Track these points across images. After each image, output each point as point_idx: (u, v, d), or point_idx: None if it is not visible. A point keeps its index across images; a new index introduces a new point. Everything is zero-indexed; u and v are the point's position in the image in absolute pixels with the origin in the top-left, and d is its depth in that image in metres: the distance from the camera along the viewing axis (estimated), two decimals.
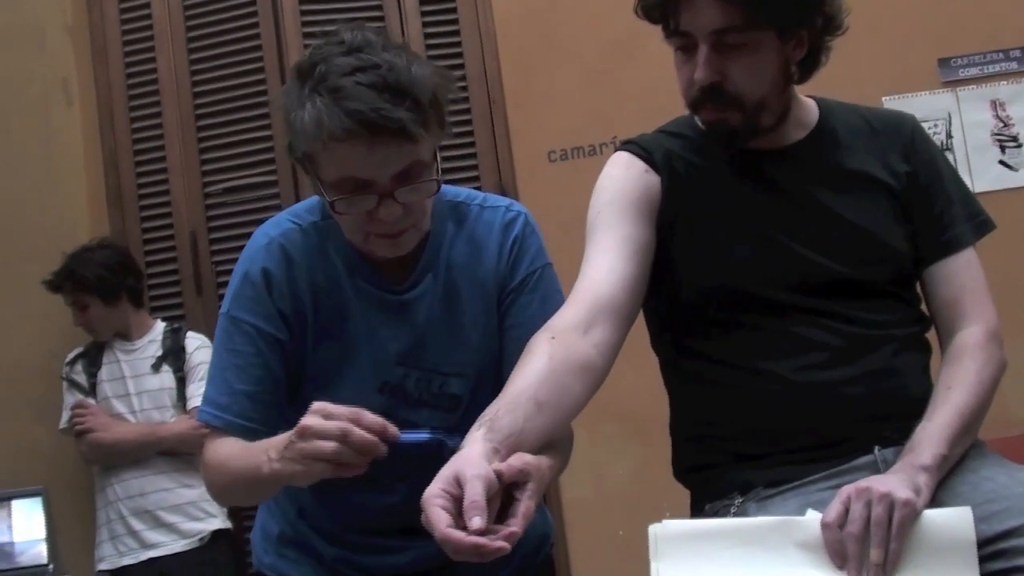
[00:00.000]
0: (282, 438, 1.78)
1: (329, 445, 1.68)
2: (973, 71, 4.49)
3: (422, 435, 1.77)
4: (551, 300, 2.08)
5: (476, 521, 1.47)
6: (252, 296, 2.01)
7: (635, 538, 4.21)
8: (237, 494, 2.08)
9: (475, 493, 1.50)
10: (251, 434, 1.96)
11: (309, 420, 1.70)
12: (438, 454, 1.68)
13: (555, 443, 1.81)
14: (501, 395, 1.76)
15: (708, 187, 2.07)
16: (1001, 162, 4.45)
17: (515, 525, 1.53)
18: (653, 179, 2.08)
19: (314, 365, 2.06)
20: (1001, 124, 4.48)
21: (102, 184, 4.83)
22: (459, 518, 1.50)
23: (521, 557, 2.16)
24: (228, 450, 1.96)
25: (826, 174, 2.06)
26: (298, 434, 1.71)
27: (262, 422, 1.99)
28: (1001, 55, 4.48)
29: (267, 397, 2.01)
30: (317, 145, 1.86)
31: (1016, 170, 4.46)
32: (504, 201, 2.19)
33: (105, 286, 4.36)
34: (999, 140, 4.47)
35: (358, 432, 1.67)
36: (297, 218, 2.07)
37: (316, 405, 1.72)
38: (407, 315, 2.06)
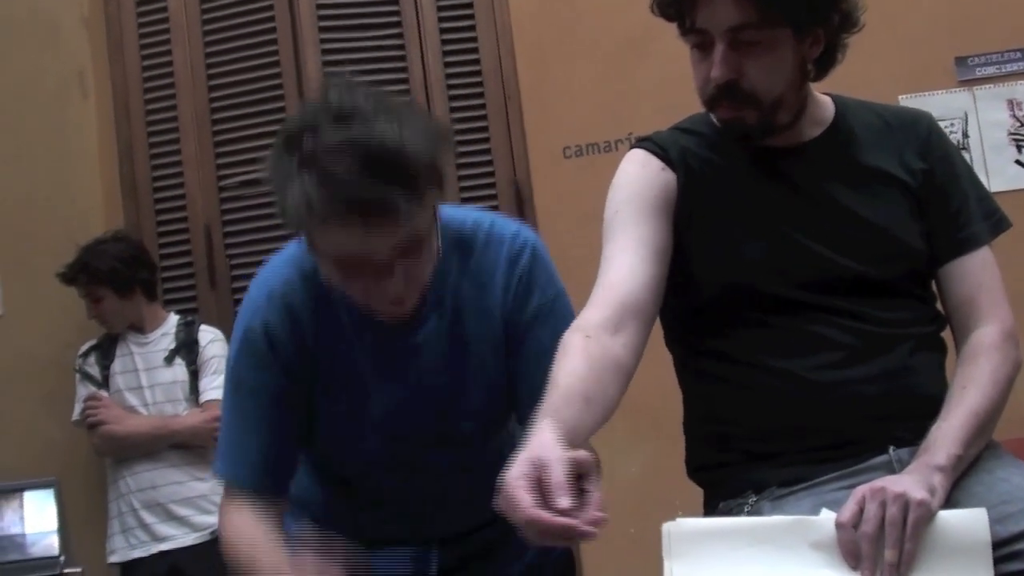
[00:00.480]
0: None
1: None
2: (990, 70, 4.46)
3: (400, 566, 1.80)
4: (563, 331, 2.02)
5: (564, 501, 1.47)
6: (255, 353, 1.97)
7: (647, 536, 4.20)
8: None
9: (559, 475, 1.49)
10: (263, 494, 1.96)
11: None
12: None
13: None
14: (550, 391, 1.75)
15: (723, 184, 2.06)
16: (1017, 161, 4.42)
17: (598, 511, 1.52)
18: (669, 177, 2.07)
19: (325, 414, 2.03)
20: (1018, 123, 4.46)
21: (117, 177, 4.84)
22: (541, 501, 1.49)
23: (536, 554, 2.15)
24: (240, 535, 1.94)
25: (842, 171, 2.05)
26: None
27: (276, 487, 1.98)
28: (1019, 54, 4.46)
29: (280, 459, 2.00)
30: (307, 225, 1.80)
31: None
32: (511, 228, 2.10)
33: (119, 278, 4.37)
34: (1016, 140, 4.45)
35: None
36: (297, 264, 2.00)
37: None
38: (415, 359, 2.02)
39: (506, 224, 2.11)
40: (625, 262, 2.00)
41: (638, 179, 2.08)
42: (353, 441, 1.90)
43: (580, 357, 1.81)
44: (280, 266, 2.03)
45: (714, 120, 2.10)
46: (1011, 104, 4.47)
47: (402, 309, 1.93)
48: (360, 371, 2.00)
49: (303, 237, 1.88)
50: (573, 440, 1.65)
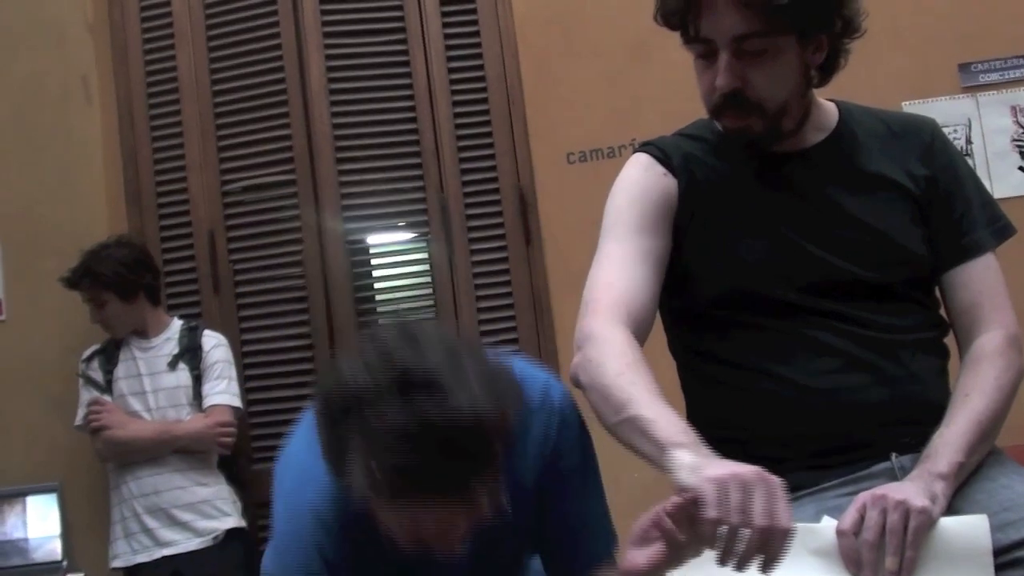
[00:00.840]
0: None
1: None
2: (994, 76, 4.46)
3: None
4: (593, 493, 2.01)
5: None
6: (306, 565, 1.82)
7: None
8: None
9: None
10: None
11: None
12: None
13: None
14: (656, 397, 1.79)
15: (725, 189, 2.06)
16: (1021, 168, 4.41)
17: None
18: (671, 182, 2.07)
19: None
20: (1021, 130, 4.44)
21: (121, 182, 4.82)
22: None
23: None
24: None
25: (844, 176, 2.06)
26: None
27: None
28: (1022, 61, 4.45)
29: None
30: (377, 506, 1.63)
31: None
32: (537, 392, 1.90)
33: (123, 283, 4.36)
34: (1019, 146, 4.44)
35: None
36: (318, 520, 1.82)
37: None
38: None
39: (532, 386, 1.89)
40: (630, 276, 2.01)
41: (640, 185, 2.09)
42: None
43: (646, 376, 1.85)
44: (325, 481, 1.77)
45: (719, 127, 2.09)
46: (1015, 110, 4.46)
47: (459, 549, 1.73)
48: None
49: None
50: None
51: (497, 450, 1.61)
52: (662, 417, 1.74)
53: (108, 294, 4.31)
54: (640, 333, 1.96)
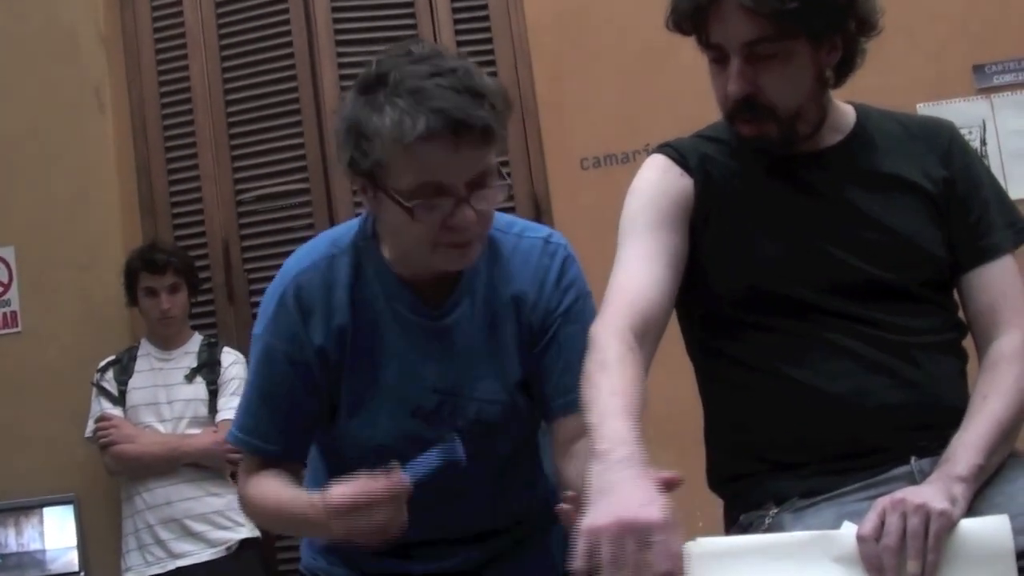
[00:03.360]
0: (314, 514, 1.84)
1: (376, 519, 1.76)
2: (1008, 78, 4.45)
3: (430, 460, 1.78)
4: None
5: None
6: (287, 323, 2.00)
7: None
8: (283, 531, 2.13)
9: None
10: (283, 460, 2.02)
11: (335, 502, 1.78)
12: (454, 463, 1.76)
13: None
14: (611, 391, 1.76)
15: (742, 191, 2.05)
16: None
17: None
18: (687, 183, 2.06)
19: (349, 389, 2.03)
20: None
21: (135, 192, 4.85)
22: None
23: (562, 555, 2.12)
24: (269, 492, 2.00)
25: (862, 177, 2.04)
26: (331, 514, 1.78)
27: (299, 453, 2.04)
28: None
29: (302, 425, 2.03)
30: (397, 149, 1.82)
31: None
32: (543, 231, 2.15)
33: (196, 277, 4.47)
34: None
35: (381, 488, 1.75)
36: (332, 244, 2.05)
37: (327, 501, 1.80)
38: (444, 341, 2.04)
39: (537, 227, 2.16)
40: (645, 272, 1.99)
41: (656, 185, 2.08)
42: (373, 418, 1.91)
43: (631, 369, 1.82)
44: (318, 244, 2.07)
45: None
46: None
47: (467, 257, 1.96)
48: (389, 348, 2.02)
49: (373, 178, 1.89)
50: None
51: (498, 110, 1.86)
52: (604, 423, 1.70)
53: (184, 283, 4.38)
54: (650, 330, 1.94)
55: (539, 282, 2.07)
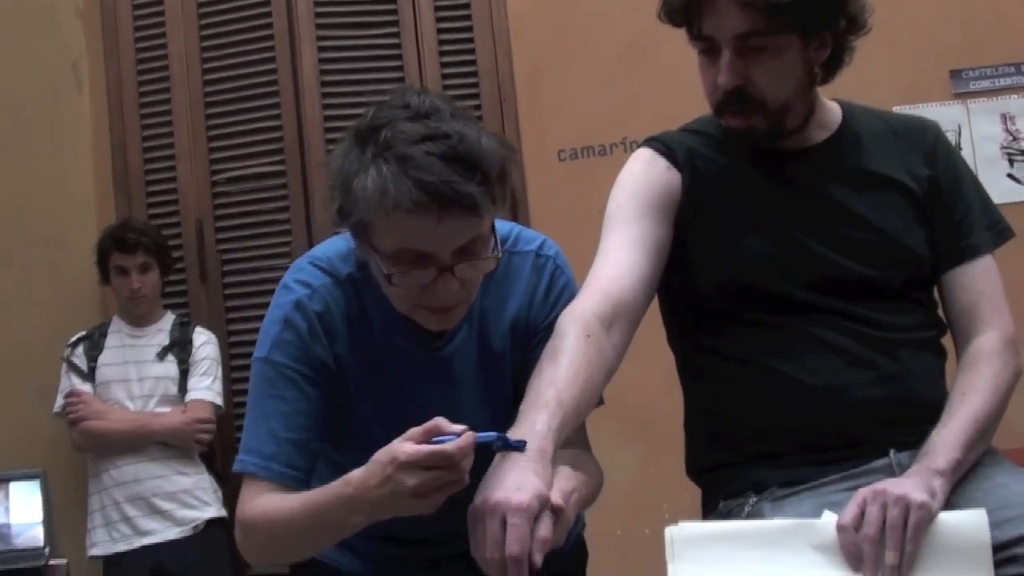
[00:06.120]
0: (366, 481, 1.70)
1: (454, 475, 1.64)
2: (984, 84, 4.49)
3: (491, 435, 1.67)
4: None
5: (538, 560, 1.58)
6: (294, 342, 1.94)
7: (634, 538, 4.21)
8: (291, 550, 1.96)
9: (547, 532, 1.59)
10: (295, 484, 1.89)
11: (414, 454, 1.63)
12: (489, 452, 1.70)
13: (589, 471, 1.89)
14: (550, 383, 1.78)
15: (729, 185, 2.07)
16: (1010, 175, 4.45)
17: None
18: (674, 176, 2.08)
19: (353, 418, 2.00)
20: (1011, 138, 4.48)
21: (109, 169, 4.82)
22: None
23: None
24: (282, 504, 1.86)
25: (847, 175, 2.07)
26: (404, 467, 1.64)
27: (306, 472, 1.92)
28: (1013, 69, 4.48)
29: (312, 445, 1.95)
30: (379, 214, 1.75)
31: None
32: (534, 243, 2.08)
33: (168, 256, 4.45)
34: (1008, 154, 4.47)
35: (463, 441, 1.63)
36: (331, 269, 1.98)
37: (397, 444, 1.66)
38: (444, 371, 2.01)
39: (530, 238, 2.09)
40: (621, 259, 2.02)
41: (643, 177, 2.10)
42: (366, 446, 1.87)
43: (581, 359, 1.83)
44: (315, 269, 2.00)
45: (722, 123, 2.10)
46: (1004, 118, 4.49)
47: (450, 321, 1.92)
48: (391, 381, 1.99)
49: (358, 232, 1.84)
50: (560, 437, 1.73)
51: (493, 180, 1.78)
52: (526, 415, 1.75)
53: (155, 263, 4.37)
54: (622, 315, 1.96)
55: (529, 299, 2.04)
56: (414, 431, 1.65)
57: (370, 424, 1.92)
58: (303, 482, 1.90)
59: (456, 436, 1.63)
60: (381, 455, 1.67)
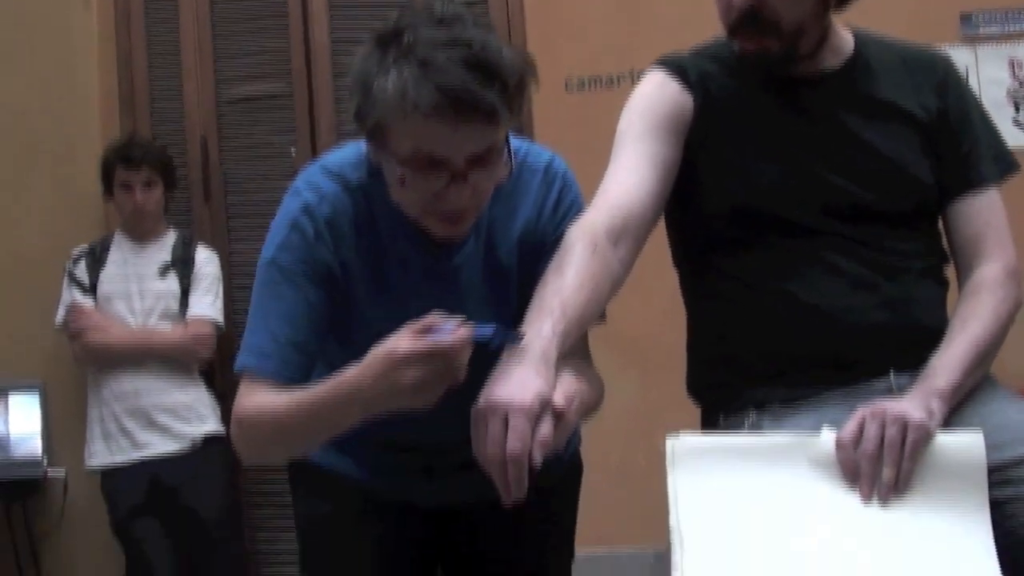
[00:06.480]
0: (363, 376, 1.71)
1: (450, 369, 1.66)
2: (994, 28, 4.47)
3: (488, 329, 1.69)
4: None
5: (538, 457, 1.61)
6: (300, 246, 1.95)
7: (628, 466, 4.25)
8: (287, 445, 2.00)
9: (548, 432, 1.63)
10: (292, 384, 1.90)
11: (410, 349, 1.65)
12: (495, 350, 1.71)
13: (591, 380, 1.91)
14: (556, 291, 1.81)
15: (741, 109, 2.08)
16: (1015, 121, 4.44)
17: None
18: (686, 99, 2.09)
19: (358, 323, 2.01)
20: (1018, 84, 4.47)
21: (115, 86, 4.82)
22: None
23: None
24: (278, 400, 1.87)
25: (858, 103, 2.07)
26: (402, 362, 1.66)
27: (304, 372, 1.93)
28: (1023, 15, 4.47)
29: (312, 347, 1.96)
30: (397, 116, 1.76)
31: None
32: (543, 159, 2.09)
33: (172, 172, 4.45)
34: (1015, 99, 4.47)
35: (459, 335, 1.65)
36: (342, 175, 1.99)
37: (394, 341, 1.68)
38: (451, 281, 2.02)
39: (539, 153, 2.10)
40: (631, 176, 2.04)
41: (655, 98, 2.11)
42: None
43: (587, 271, 1.85)
44: (325, 176, 2.01)
45: (735, 47, 2.10)
46: (1012, 63, 4.48)
47: (459, 228, 1.93)
48: (397, 288, 2.00)
49: (374, 135, 1.85)
50: (564, 344, 1.74)
51: (511, 90, 1.77)
52: (532, 321, 1.78)
53: (159, 178, 4.37)
54: (630, 229, 1.98)
55: (537, 213, 2.05)
56: (411, 326, 1.68)
57: (373, 330, 1.93)
58: (300, 382, 1.91)
59: (451, 329, 1.65)
60: (378, 350, 1.69)
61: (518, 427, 1.58)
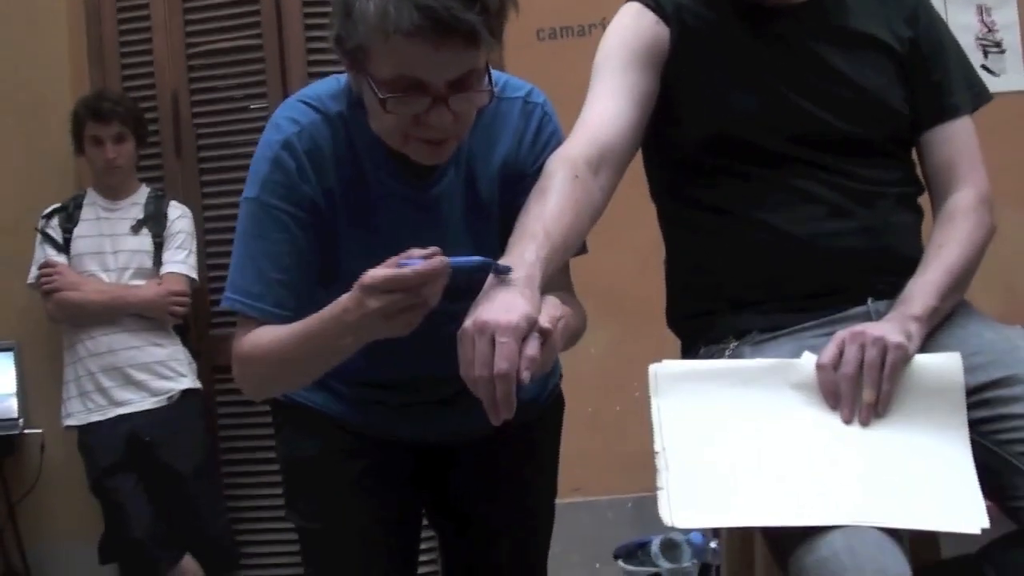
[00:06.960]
0: (345, 304, 1.74)
1: (414, 299, 1.68)
2: None
3: (474, 259, 1.71)
4: None
5: (526, 377, 1.60)
6: (283, 182, 1.94)
7: (603, 415, 4.26)
8: (286, 379, 2.03)
9: (535, 350, 1.62)
10: (284, 323, 1.92)
11: (374, 277, 1.68)
12: (481, 280, 1.72)
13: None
14: (538, 217, 1.81)
15: (716, 40, 2.09)
16: (983, 67, 4.46)
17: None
18: (662, 30, 2.09)
19: (341, 254, 2.02)
20: (986, 29, 4.49)
21: (84, 40, 4.76)
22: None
23: (533, 388, 2.14)
24: (273, 335, 1.91)
25: (832, 33, 2.09)
26: (367, 292, 1.69)
27: (295, 310, 1.93)
28: None
29: (300, 285, 1.97)
30: (378, 38, 1.76)
31: (997, 75, 4.47)
32: (522, 90, 2.09)
33: (144, 127, 4.42)
34: (983, 45, 4.49)
35: (423, 266, 1.67)
36: (322, 107, 1.99)
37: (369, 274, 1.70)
38: (432, 211, 2.02)
39: (518, 86, 2.10)
40: (609, 106, 2.04)
41: (631, 30, 2.11)
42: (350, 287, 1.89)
43: (569, 200, 1.86)
44: (304, 107, 2.00)
45: None
46: (980, 9, 4.51)
47: (441, 152, 1.92)
48: (379, 219, 2.01)
49: (355, 59, 1.84)
50: (547, 268, 1.76)
51: (493, 14, 1.77)
52: (515, 245, 1.79)
53: (130, 132, 4.34)
54: (608, 158, 1.99)
55: (517, 143, 2.06)
56: (391, 260, 1.70)
57: (356, 263, 1.94)
58: (292, 320, 1.92)
59: (423, 259, 1.68)
60: (358, 282, 1.72)
61: (506, 346, 1.59)
